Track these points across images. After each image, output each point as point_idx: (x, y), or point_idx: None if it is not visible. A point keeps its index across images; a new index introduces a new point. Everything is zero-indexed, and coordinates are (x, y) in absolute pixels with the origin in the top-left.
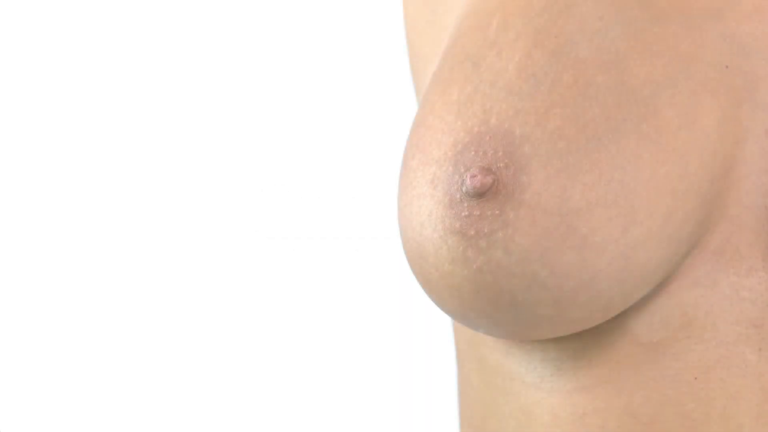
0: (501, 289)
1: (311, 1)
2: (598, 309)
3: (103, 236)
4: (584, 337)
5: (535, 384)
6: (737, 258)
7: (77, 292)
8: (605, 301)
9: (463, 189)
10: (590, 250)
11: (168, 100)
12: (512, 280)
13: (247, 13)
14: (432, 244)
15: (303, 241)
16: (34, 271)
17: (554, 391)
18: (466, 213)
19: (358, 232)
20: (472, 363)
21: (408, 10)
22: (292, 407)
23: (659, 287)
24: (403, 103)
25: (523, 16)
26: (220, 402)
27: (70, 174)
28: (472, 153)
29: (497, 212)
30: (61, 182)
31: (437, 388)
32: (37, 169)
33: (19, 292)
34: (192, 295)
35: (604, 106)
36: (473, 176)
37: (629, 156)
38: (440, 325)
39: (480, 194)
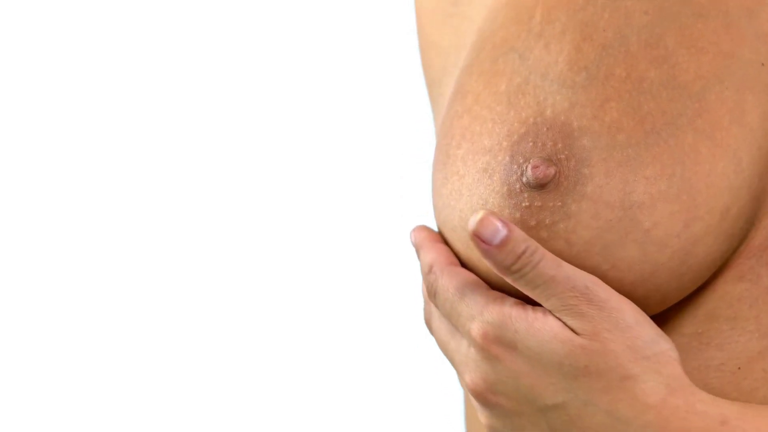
0: None
1: (310, 2)
2: (655, 302)
3: (103, 237)
4: None
5: None
6: None
7: (77, 292)
8: (662, 294)
9: (524, 179)
10: (652, 244)
11: (169, 102)
12: None
13: (246, 12)
14: None
15: (303, 242)
16: (34, 271)
17: None
18: (527, 203)
19: (358, 232)
20: None
21: (423, 4)
22: (294, 407)
23: (705, 281)
24: (403, 104)
25: (567, 9)
26: (221, 402)
27: (70, 175)
28: (530, 144)
29: (559, 204)
30: (61, 183)
31: (438, 387)
32: (37, 170)
33: (19, 293)
34: (192, 294)
35: (658, 100)
36: (536, 167)
37: (688, 151)
38: None
39: (542, 185)
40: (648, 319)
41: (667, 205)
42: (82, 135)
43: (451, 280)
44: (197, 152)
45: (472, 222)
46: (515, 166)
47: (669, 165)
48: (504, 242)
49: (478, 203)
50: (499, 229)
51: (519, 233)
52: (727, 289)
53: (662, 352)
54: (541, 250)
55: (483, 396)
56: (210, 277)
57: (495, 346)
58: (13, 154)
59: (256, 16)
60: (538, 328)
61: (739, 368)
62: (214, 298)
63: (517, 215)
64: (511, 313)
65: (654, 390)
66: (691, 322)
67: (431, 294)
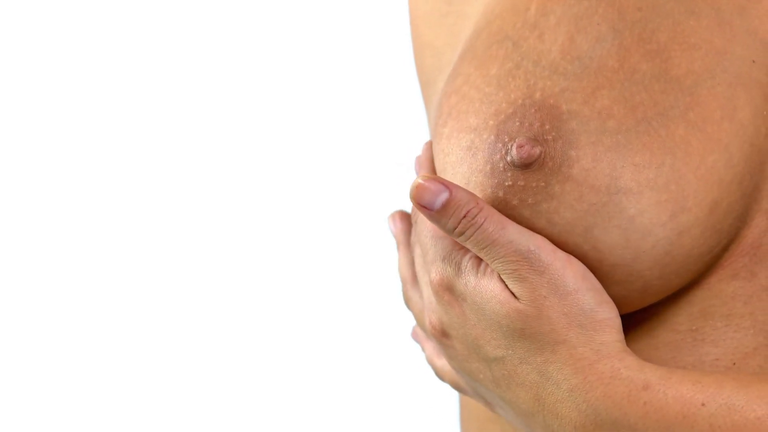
0: None
1: (302, 7)
2: (635, 289)
3: (103, 237)
4: (623, 322)
5: None
6: None
7: (78, 292)
8: (643, 282)
9: (508, 158)
10: (636, 231)
11: (166, 103)
12: None
13: (244, 13)
14: None
15: (303, 242)
16: (34, 271)
17: None
18: (510, 183)
19: (358, 232)
20: None
21: (418, 5)
22: (293, 407)
23: (699, 279)
24: (399, 105)
25: (562, 3)
26: (220, 402)
27: (70, 175)
28: (517, 123)
29: (543, 184)
30: (62, 183)
31: (435, 387)
32: (37, 170)
33: (20, 293)
34: (192, 296)
35: (651, 91)
36: (521, 146)
37: (679, 142)
38: None
39: (526, 165)
40: (594, 285)
41: (654, 193)
42: (82, 135)
43: None
44: (198, 152)
45: (410, 190)
46: (500, 145)
47: (659, 154)
48: (444, 206)
49: (461, 182)
50: (437, 194)
51: (461, 196)
52: (721, 287)
53: (600, 320)
54: (485, 211)
55: (439, 337)
56: (210, 276)
57: (447, 293)
58: (13, 154)
59: (254, 17)
60: (483, 285)
61: (734, 364)
62: (215, 297)
63: (500, 194)
64: (467, 266)
65: (583, 356)
66: (686, 319)
67: (413, 221)
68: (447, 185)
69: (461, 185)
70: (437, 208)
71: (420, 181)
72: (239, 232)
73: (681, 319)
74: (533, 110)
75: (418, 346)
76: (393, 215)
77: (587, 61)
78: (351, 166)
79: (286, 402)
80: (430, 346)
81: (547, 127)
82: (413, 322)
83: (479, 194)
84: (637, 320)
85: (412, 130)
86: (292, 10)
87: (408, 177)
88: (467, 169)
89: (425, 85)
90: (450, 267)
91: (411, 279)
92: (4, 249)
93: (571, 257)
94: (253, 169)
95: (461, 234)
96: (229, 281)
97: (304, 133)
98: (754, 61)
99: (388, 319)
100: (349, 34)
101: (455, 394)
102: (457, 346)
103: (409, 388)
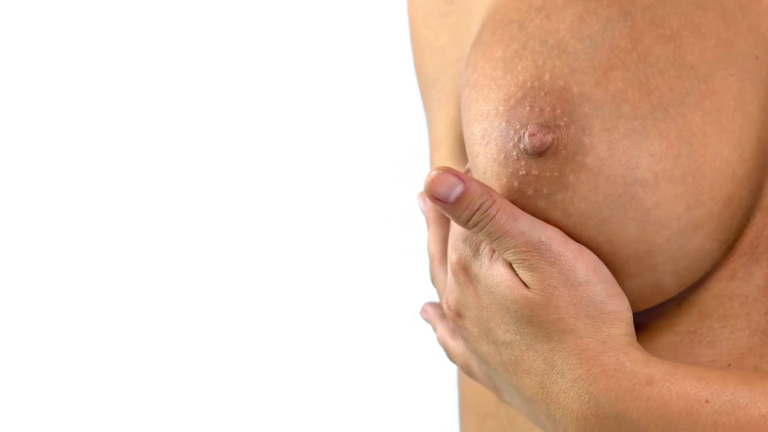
0: None
1: (302, 7)
2: (647, 284)
3: (103, 238)
4: None
5: None
6: None
7: (78, 292)
8: (656, 277)
9: (521, 146)
10: (651, 224)
11: (166, 104)
12: None
13: (244, 15)
14: None
15: (304, 242)
16: (34, 272)
17: None
18: (524, 172)
19: (358, 231)
20: None
21: (417, 6)
22: (293, 406)
23: (700, 279)
24: (399, 105)
25: None
26: (220, 403)
27: (71, 175)
28: (528, 108)
29: (557, 174)
30: (62, 183)
31: (433, 387)
32: (37, 171)
33: (20, 293)
34: (192, 297)
35: (666, 76)
36: (532, 134)
37: (696, 132)
38: None
39: (539, 153)
40: (605, 277)
41: (670, 185)
42: (83, 135)
43: None
44: (198, 154)
45: (426, 183)
46: (512, 132)
47: (676, 144)
48: (459, 199)
49: (479, 172)
50: (452, 187)
51: (475, 188)
52: (720, 287)
53: (609, 312)
54: (498, 203)
55: (453, 317)
56: (211, 276)
57: (463, 273)
58: (13, 154)
59: (254, 17)
60: (496, 269)
61: (730, 365)
62: (215, 296)
63: (515, 184)
64: (485, 249)
65: (589, 346)
66: (685, 321)
67: None
68: (462, 178)
69: (478, 175)
70: (452, 201)
71: (435, 173)
72: (239, 233)
73: (681, 320)
74: (543, 93)
75: (416, 347)
76: (423, 193)
77: (599, 40)
78: (351, 166)
79: (285, 401)
80: (442, 326)
81: (558, 111)
82: (413, 321)
83: (495, 184)
84: (641, 321)
85: (412, 130)
86: (292, 10)
87: (408, 177)
88: (483, 160)
89: (425, 84)
90: (469, 248)
91: (439, 257)
92: (3, 249)
93: (584, 248)
94: (253, 170)
95: (475, 225)
96: (229, 281)
97: (305, 134)
98: (757, 57)
99: (388, 318)
100: (349, 35)
101: (455, 390)
102: (470, 327)
103: (408, 385)
